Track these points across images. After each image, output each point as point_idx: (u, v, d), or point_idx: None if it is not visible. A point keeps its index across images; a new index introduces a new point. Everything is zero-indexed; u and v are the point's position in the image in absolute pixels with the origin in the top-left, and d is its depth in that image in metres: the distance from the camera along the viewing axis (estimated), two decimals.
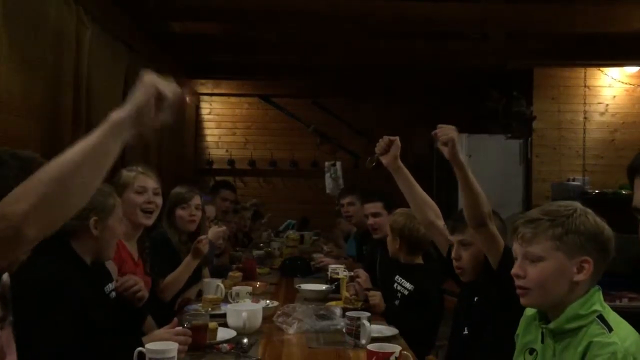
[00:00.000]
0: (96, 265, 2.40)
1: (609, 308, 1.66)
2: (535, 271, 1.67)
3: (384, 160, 2.81)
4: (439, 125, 2.48)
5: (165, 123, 1.45)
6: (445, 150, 2.40)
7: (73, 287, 2.15)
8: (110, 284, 2.50)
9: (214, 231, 3.76)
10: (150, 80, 1.39)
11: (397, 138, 2.79)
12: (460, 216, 2.50)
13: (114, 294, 2.51)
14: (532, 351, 1.77)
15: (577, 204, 1.72)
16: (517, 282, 1.71)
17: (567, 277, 1.64)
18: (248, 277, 3.97)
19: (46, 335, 2.03)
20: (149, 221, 2.98)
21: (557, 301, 1.66)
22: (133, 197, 2.90)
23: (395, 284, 3.31)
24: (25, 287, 2.07)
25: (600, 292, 1.68)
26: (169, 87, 1.40)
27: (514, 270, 1.71)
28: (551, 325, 1.66)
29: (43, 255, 2.19)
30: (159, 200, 3.01)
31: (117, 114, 1.35)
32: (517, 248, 1.73)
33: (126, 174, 2.98)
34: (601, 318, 1.61)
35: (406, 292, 3.21)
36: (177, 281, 3.25)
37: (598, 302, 1.65)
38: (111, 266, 2.67)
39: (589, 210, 1.70)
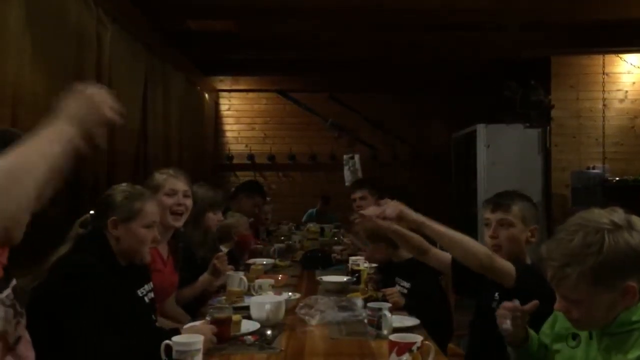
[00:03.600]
0: (133, 267, 2.46)
1: None
2: (579, 311, 1.59)
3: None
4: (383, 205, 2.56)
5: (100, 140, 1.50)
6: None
7: (101, 283, 2.21)
8: (146, 286, 2.54)
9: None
10: (97, 97, 1.47)
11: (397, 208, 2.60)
12: (503, 195, 2.53)
13: (150, 296, 2.56)
14: (575, 336, 1.73)
15: (606, 222, 1.55)
16: (566, 316, 1.66)
17: (613, 305, 1.56)
18: (241, 251, 3.97)
19: (73, 327, 2.09)
20: (178, 223, 3.05)
21: (610, 320, 1.59)
22: (164, 199, 2.97)
23: (396, 286, 3.30)
24: (60, 279, 2.16)
25: None
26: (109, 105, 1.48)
27: (557, 307, 1.65)
28: (600, 330, 1.62)
29: (81, 251, 2.28)
30: (188, 202, 3.08)
31: (66, 128, 1.41)
32: (555, 289, 1.65)
33: (158, 176, 3.05)
34: None
35: (405, 291, 3.22)
36: (193, 295, 3.30)
37: None
38: None
39: (620, 222, 1.55)
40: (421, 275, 3.18)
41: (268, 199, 6.58)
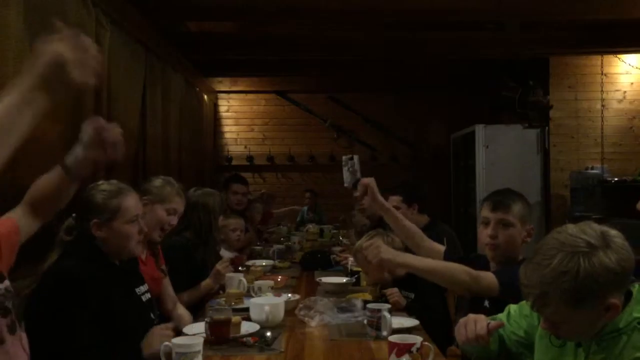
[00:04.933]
0: (128, 266, 2.45)
1: None
2: (563, 329, 1.60)
3: (366, 203, 2.88)
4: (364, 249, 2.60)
5: (88, 81, 1.40)
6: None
7: (97, 286, 2.20)
8: (142, 286, 2.54)
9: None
10: (52, 51, 1.35)
11: (370, 180, 2.88)
12: (503, 193, 2.52)
13: (147, 296, 2.56)
14: None
15: (581, 245, 1.52)
16: (551, 333, 1.67)
17: (597, 321, 1.56)
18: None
19: (70, 333, 2.09)
20: (160, 239, 3.03)
21: (595, 331, 1.59)
22: (162, 214, 2.95)
23: None
24: (51, 286, 2.15)
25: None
26: (75, 47, 1.37)
27: (543, 326, 1.65)
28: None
29: (71, 256, 2.27)
30: (175, 221, 3.06)
31: (27, 84, 1.34)
32: (537, 312, 1.66)
33: (169, 189, 3.01)
34: None
35: (411, 299, 3.21)
36: (194, 301, 3.31)
37: (638, 308, 1.57)
38: None
39: (595, 242, 1.51)
40: (423, 284, 3.16)
41: (262, 191, 6.59)
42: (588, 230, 1.54)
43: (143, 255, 3.00)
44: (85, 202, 2.33)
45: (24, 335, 1.64)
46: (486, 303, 2.40)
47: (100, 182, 2.44)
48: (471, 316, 1.85)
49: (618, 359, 1.53)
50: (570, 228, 1.58)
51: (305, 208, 8.27)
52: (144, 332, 2.29)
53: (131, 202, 2.40)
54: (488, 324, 1.81)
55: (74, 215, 2.36)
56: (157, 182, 3.03)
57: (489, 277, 2.30)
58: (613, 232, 1.55)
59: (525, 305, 1.92)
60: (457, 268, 2.34)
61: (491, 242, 2.47)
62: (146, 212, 2.72)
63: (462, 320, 1.86)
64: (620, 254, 1.51)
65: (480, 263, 2.56)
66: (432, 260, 2.48)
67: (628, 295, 1.59)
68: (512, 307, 1.98)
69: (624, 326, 1.55)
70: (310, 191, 8.36)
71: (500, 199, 2.50)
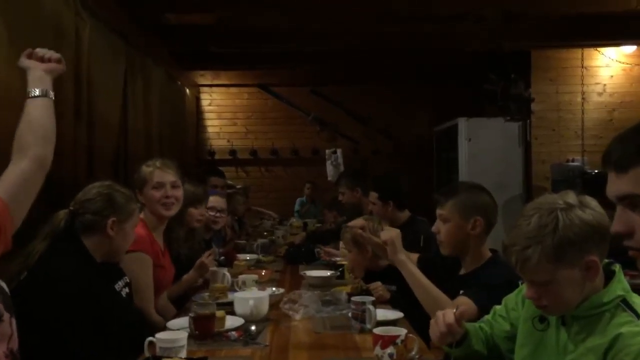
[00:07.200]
0: (106, 263, 2.43)
1: (630, 290, 1.61)
2: (548, 296, 1.62)
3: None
4: (386, 228, 2.58)
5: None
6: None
7: (86, 285, 2.18)
8: (120, 282, 2.52)
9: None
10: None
11: (394, 236, 2.58)
12: (444, 191, 2.59)
13: (126, 291, 2.54)
14: (542, 319, 1.73)
15: (559, 202, 1.61)
16: (534, 303, 1.68)
17: (579, 283, 1.59)
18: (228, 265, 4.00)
19: (60, 332, 2.06)
20: (169, 212, 3.01)
21: (579, 301, 1.61)
22: (152, 193, 2.95)
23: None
24: (42, 285, 2.11)
25: (622, 273, 1.63)
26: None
27: (528, 295, 1.67)
28: (571, 312, 1.62)
29: (57, 252, 2.23)
30: (178, 193, 3.04)
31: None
32: (521, 275, 1.68)
33: (145, 169, 3.02)
34: (625, 303, 1.56)
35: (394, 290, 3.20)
36: (178, 293, 3.25)
37: (620, 286, 1.60)
38: (146, 260, 2.77)
39: (572, 202, 1.61)
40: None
41: (238, 186, 6.58)
42: (566, 195, 1.65)
43: (162, 247, 3.00)
44: (103, 199, 2.36)
45: (13, 330, 1.60)
46: (461, 292, 2.42)
47: (108, 182, 2.45)
48: (439, 312, 1.87)
49: (602, 337, 1.54)
50: (549, 195, 1.69)
51: (303, 199, 8.23)
52: (126, 330, 2.28)
53: (137, 209, 2.56)
54: (454, 312, 1.83)
55: (71, 208, 2.35)
56: (138, 171, 3.04)
57: (467, 307, 2.24)
58: (589, 198, 1.64)
59: (510, 298, 1.95)
60: (440, 295, 2.38)
61: (437, 237, 2.57)
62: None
63: (432, 320, 1.87)
64: (597, 213, 1.59)
65: (451, 262, 2.63)
66: (425, 278, 2.45)
67: (610, 275, 1.63)
68: (497, 307, 1.99)
69: (608, 301, 1.57)
70: (311, 183, 8.31)
71: (437, 195, 2.60)
